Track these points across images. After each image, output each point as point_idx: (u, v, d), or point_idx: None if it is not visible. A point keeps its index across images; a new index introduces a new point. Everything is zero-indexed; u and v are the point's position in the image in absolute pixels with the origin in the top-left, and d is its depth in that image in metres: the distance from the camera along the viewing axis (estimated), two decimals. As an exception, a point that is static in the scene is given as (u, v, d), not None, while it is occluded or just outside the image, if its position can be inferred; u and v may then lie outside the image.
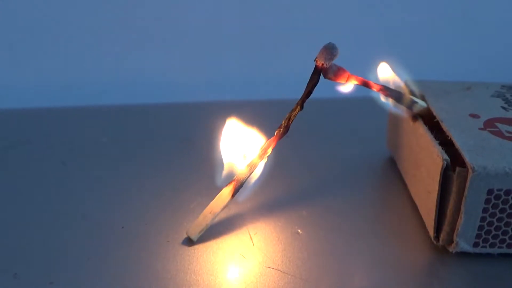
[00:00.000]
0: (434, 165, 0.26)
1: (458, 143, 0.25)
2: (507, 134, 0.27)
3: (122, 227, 0.28)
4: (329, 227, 0.28)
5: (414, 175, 0.30)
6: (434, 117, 0.28)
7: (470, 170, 0.23)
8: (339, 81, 0.27)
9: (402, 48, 0.50)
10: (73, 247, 0.26)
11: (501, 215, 0.25)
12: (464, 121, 0.28)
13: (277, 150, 0.27)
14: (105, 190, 0.31)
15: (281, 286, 0.24)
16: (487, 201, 0.24)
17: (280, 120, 0.27)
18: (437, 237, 0.26)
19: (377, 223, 0.29)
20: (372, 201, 0.32)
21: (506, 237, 0.25)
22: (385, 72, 0.30)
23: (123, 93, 0.47)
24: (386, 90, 0.28)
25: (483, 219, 0.25)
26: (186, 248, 0.26)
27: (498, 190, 0.24)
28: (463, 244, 0.25)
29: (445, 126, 0.27)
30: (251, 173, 0.27)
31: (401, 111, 0.31)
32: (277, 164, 0.31)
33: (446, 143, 0.26)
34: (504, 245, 0.25)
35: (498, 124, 0.28)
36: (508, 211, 0.24)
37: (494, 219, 0.25)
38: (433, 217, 0.26)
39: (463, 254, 0.26)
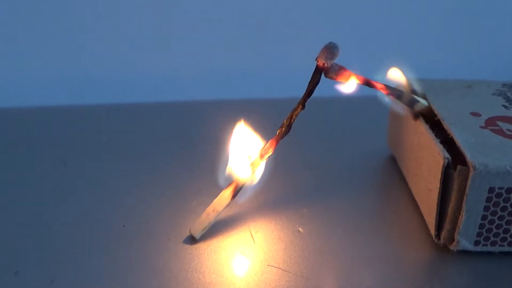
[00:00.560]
0: (435, 163, 0.26)
1: (459, 141, 0.25)
2: (508, 133, 0.27)
3: (124, 226, 0.28)
4: (330, 225, 0.28)
5: (415, 173, 0.30)
6: (435, 116, 0.28)
7: (471, 168, 0.24)
8: (340, 80, 0.27)
9: (403, 47, 0.51)
10: (74, 245, 0.26)
11: (502, 213, 0.25)
12: (465, 119, 0.28)
13: (278, 148, 0.27)
14: (106, 189, 0.31)
15: (282, 284, 0.24)
16: (488, 199, 0.24)
17: (282, 119, 0.27)
18: (438, 235, 0.26)
19: (378, 221, 0.29)
20: (373, 199, 0.32)
21: (507, 236, 0.25)
22: (396, 77, 0.30)
23: (123, 92, 0.47)
24: (387, 88, 0.28)
25: (484, 217, 0.25)
26: (187, 246, 0.26)
27: (499, 188, 0.24)
28: (464, 242, 0.25)
29: (446, 125, 0.27)
30: (252, 173, 0.27)
31: (402, 109, 0.31)
32: (278, 162, 0.31)
33: (447, 142, 0.26)
34: (505, 244, 0.26)
35: (499, 123, 0.28)
36: (509, 209, 0.24)
37: (495, 217, 0.25)
38: (434, 215, 0.26)
39: (464, 252, 0.26)
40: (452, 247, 0.26)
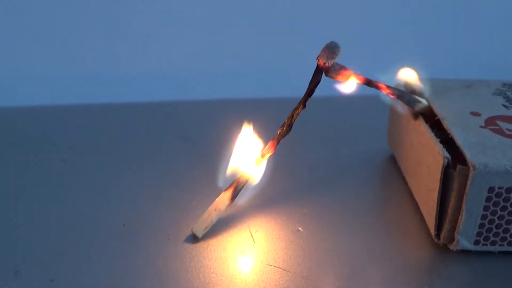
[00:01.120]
0: (435, 163, 0.26)
1: (459, 141, 0.25)
2: (508, 132, 0.27)
3: (123, 225, 0.28)
4: (330, 225, 0.28)
5: (415, 173, 0.30)
6: (435, 115, 0.28)
7: (471, 168, 0.24)
8: (341, 79, 0.26)
9: (403, 47, 0.51)
10: (74, 244, 0.26)
11: (502, 213, 0.25)
12: (465, 119, 0.28)
13: (279, 148, 0.27)
14: (106, 188, 0.31)
15: (282, 283, 0.24)
16: (488, 199, 0.24)
17: (283, 118, 0.27)
18: (438, 235, 0.26)
19: (377, 221, 0.29)
20: (373, 199, 0.32)
21: (507, 235, 0.25)
22: (409, 77, 0.30)
23: (124, 91, 0.47)
24: (388, 88, 0.28)
25: (484, 217, 0.25)
26: (187, 245, 0.26)
27: (499, 188, 0.24)
28: (464, 242, 0.25)
29: (446, 124, 0.27)
30: (254, 173, 0.27)
31: (402, 109, 0.31)
32: (278, 162, 0.31)
33: (447, 141, 0.26)
34: (505, 243, 0.26)
35: (499, 122, 0.28)
36: (509, 209, 0.24)
37: (495, 217, 0.25)
38: (434, 215, 0.26)
39: (464, 252, 0.26)
40: (452, 246, 0.26)
